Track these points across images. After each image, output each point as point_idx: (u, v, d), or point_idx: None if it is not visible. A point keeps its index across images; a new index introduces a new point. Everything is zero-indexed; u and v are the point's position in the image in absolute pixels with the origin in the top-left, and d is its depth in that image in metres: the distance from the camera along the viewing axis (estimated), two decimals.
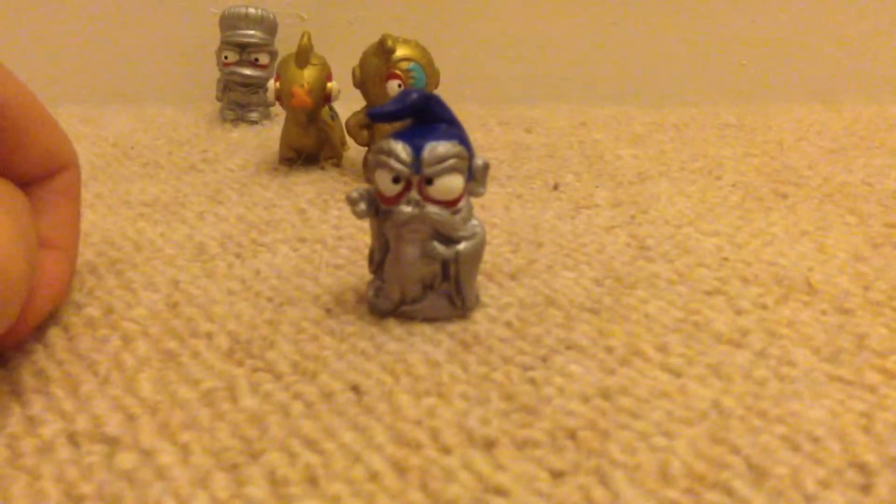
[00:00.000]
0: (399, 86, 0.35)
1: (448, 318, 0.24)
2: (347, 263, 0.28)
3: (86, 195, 0.31)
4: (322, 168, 0.40)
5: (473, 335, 0.23)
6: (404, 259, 0.23)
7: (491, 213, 0.33)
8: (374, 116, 0.23)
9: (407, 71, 0.36)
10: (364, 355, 0.22)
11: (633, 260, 0.28)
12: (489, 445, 0.18)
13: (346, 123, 0.38)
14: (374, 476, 0.17)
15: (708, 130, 0.47)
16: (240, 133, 0.47)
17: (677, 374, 0.21)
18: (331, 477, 0.17)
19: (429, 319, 0.24)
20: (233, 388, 0.20)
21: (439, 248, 0.23)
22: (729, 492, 0.17)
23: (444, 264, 0.23)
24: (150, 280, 0.27)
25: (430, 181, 0.22)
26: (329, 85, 0.37)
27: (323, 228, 0.32)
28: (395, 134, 0.22)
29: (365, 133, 0.38)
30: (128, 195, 0.35)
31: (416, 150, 0.22)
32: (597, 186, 0.36)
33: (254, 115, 0.49)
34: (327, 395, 0.20)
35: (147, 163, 0.41)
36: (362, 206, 0.23)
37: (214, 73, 0.50)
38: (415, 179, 0.22)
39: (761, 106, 0.53)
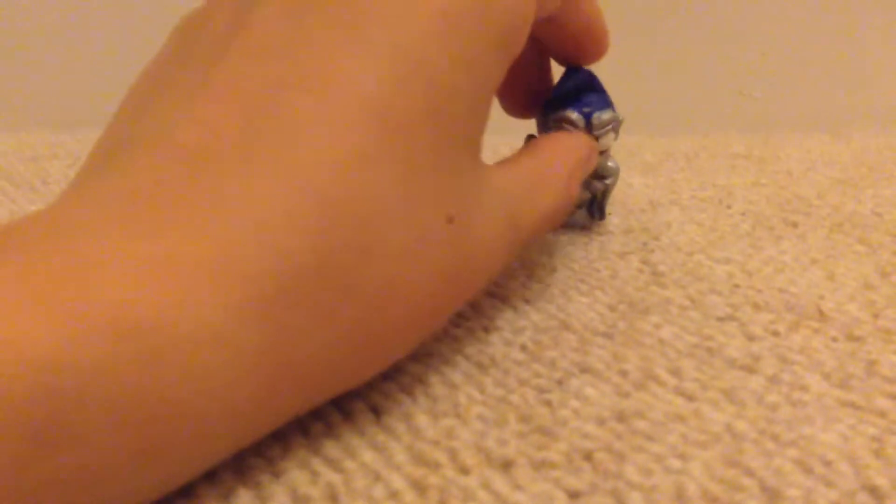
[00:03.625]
0: None
1: (588, 228, 0.34)
2: None
3: None
4: None
5: (490, 358, 0.23)
6: None
7: None
8: (556, 91, 0.31)
9: None
10: (383, 376, 0.22)
11: (646, 286, 0.28)
12: (507, 466, 0.19)
13: None
14: (394, 494, 0.18)
15: (718, 160, 0.47)
16: None
17: (691, 399, 0.21)
18: (352, 495, 0.18)
19: (576, 228, 0.34)
20: None
21: (598, 183, 0.32)
22: None
23: (594, 193, 0.33)
24: None
25: (596, 139, 0.30)
26: None
27: None
28: (568, 104, 0.30)
29: None
30: None
31: (587, 117, 0.29)
32: (609, 213, 0.36)
33: None
34: (347, 415, 0.21)
35: None
36: None
37: None
38: None
39: (770, 136, 0.53)
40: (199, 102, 0.18)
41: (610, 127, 0.30)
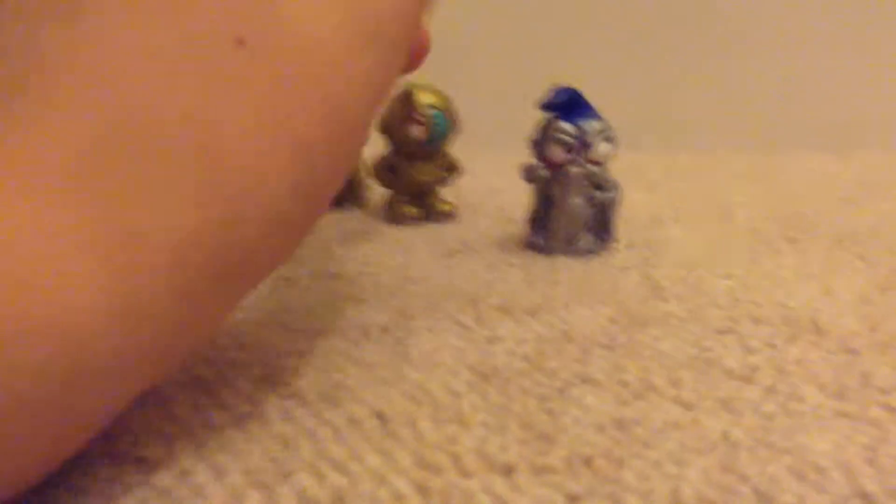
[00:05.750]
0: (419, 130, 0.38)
1: (596, 253, 0.34)
2: (370, 297, 0.29)
3: None
4: (344, 208, 0.41)
5: (492, 367, 0.24)
6: (572, 207, 0.33)
7: (508, 252, 0.34)
8: (546, 108, 0.33)
9: (430, 117, 0.37)
10: (388, 384, 0.23)
11: (647, 299, 0.29)
12: (508, 471, 0.19)
13: (374, 166, 0.40)
14: (398, 497, 0.18)
15: (719, 177, 0.48)
16: None
17: (689, 408, 0.22)
18: (358, 497, 0.18)
19: (584, 253, 0.34)
20: (264, 413, 0.21)
21: (600, 194, 0.33)
22: None
23: (598, 207, 0.33)
24: None
25: (591, 147, 0.32)
26: None
27: (350, 265, 0.33)
28: (560, 118, 0.32)
29: (389, 176, 0.39)
30: None
31: (579, 127, 0.32)
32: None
33: None
34: (354, 421, 0.21)
35: None
36: (540, 172, 0.33)
37: None
38: (578, 147, 0.32)
39: (772, 155, 0.54)
40: None
41: (602, 135, 0.32)
